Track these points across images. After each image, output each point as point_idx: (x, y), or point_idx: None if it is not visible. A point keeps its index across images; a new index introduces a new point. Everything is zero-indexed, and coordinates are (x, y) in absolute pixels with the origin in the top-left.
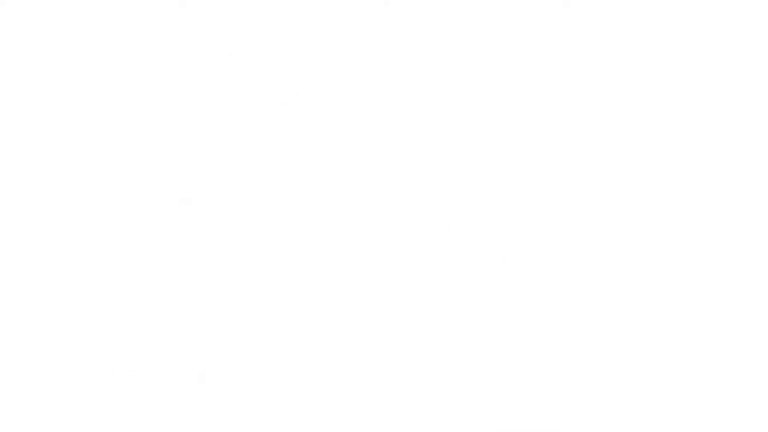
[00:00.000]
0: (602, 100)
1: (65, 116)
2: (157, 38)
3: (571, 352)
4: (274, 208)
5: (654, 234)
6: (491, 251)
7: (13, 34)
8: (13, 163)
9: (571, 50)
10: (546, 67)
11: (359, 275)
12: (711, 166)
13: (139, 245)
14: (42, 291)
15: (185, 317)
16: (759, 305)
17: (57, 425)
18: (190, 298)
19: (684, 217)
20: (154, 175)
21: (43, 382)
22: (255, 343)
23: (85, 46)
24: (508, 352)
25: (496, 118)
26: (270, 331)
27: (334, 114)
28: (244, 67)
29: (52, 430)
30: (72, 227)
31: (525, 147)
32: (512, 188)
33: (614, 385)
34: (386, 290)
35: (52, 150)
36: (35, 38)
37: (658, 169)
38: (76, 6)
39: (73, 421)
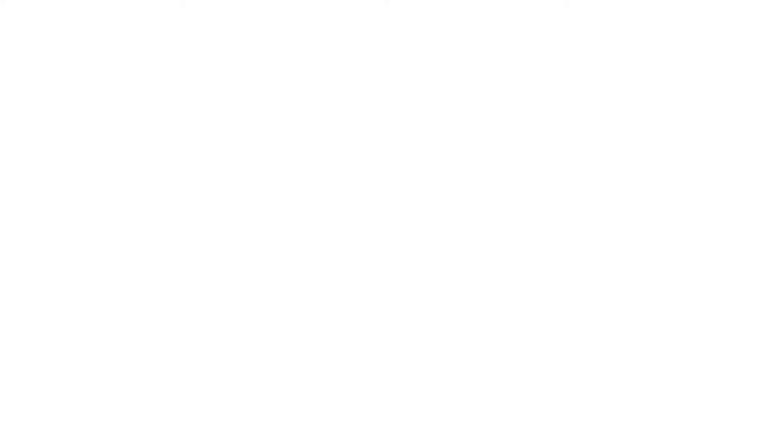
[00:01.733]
0: (602, 99)
1: (65, 116)
2: (157, 38)
3: (571, 352)
4: (274, 208)
5: (654, 234)
6: (491, 251)
7: (13, 34)
8: (13, 162)
9: (571, 50)
10: (546, 66)
11: (359, 275)
12: (711, 166)
13: (138, 245)
14: (41, 290)
15: (185, 317)
16: (759, 305)
17: (57, 425)
18: (189, 297)
19: (684, 217)
20: (154, 175)
21: (42, 382)
22: (255, 343)
23: (85, 46)
24: (508, 352)
25: (496, 117)
26: (270, 330)
27: (333, 114)
28: (244, 67)
29: (52, 430)
30: (71, 227)
31: (525, 147)
32: (512, 188)
33: (614, 385)
34: (386, 290)
35: (51, 150)
36: (35, 38)
37: (658, 169)
38: (76, 6)
39: (73, 421)
